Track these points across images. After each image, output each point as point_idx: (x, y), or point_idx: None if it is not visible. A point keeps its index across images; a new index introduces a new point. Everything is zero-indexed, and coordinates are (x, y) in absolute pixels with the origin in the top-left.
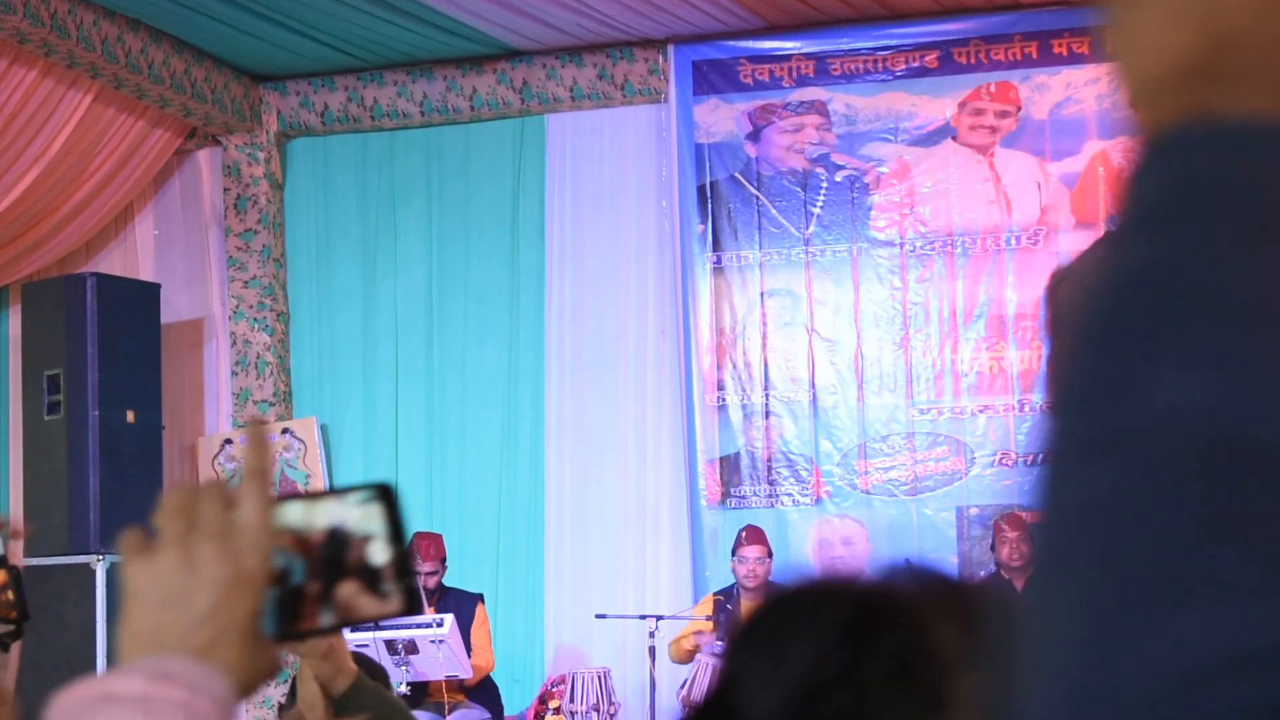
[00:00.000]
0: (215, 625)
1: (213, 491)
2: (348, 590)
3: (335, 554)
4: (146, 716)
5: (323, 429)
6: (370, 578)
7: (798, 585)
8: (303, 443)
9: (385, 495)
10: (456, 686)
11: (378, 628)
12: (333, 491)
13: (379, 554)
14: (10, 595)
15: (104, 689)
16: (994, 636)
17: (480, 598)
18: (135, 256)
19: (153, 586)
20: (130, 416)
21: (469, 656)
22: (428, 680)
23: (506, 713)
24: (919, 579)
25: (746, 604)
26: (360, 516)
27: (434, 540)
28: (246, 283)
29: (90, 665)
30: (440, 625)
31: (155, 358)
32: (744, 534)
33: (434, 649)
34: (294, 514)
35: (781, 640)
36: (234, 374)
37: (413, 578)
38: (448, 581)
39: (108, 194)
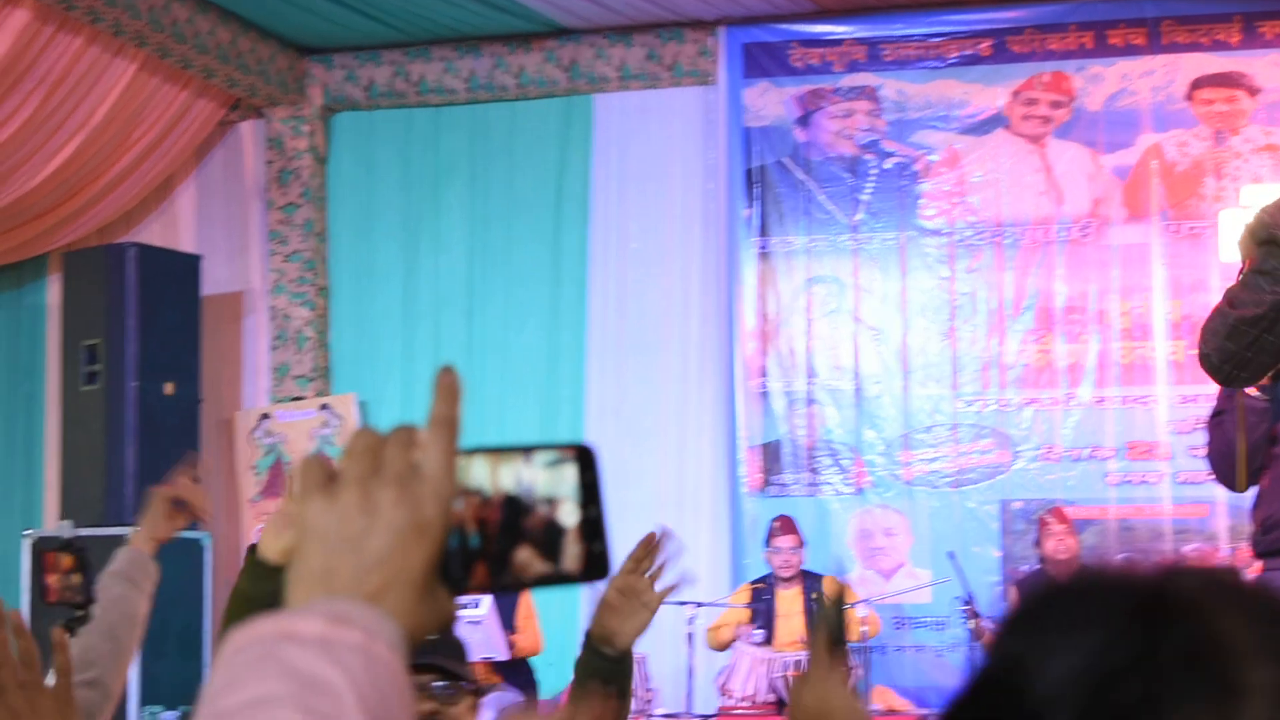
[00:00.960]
0: (387, 571)
1: (400, 436)
2: (524, 555)
3: (513, 520)
4: (327, 658)
5: (361, 405)
6: (553, 540)
7: (1081, 572)
8: (341, 419)
9: (583, 457)
10: (492, 668)
11: None
12: (521, 449)
13: (569, 516)
14: (78, 579)
15: (284, 627)
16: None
17: None
18: (176, 227)
19: (329, 527)
20: (168, 388)
21: (508, 636)
22: None
23: (541, 695)
24: (1205, 570)
25: (782, 593)
26: (548, 478)
27: None
28: (287, 257)
29: None
30: (477, 606)
31: (194, 330)
32: (776, 524)
33: (470, 630)
34: (479, 471)
35: (1069, 626)
36: (273, 348)
37: (604, 543)
38: None
39: (150, 164)
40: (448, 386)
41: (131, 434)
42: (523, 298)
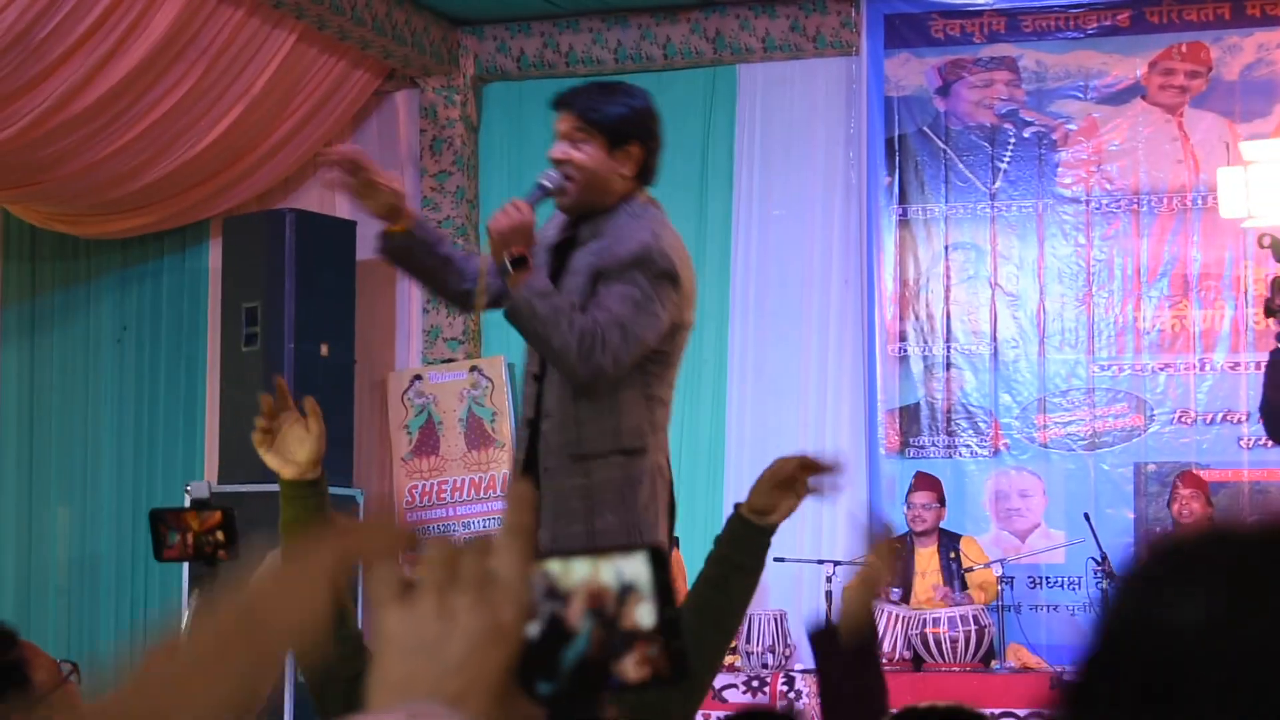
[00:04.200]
0: (466, 675)
1: (476, 545)
2: (625, 660)
3: (608, 623)
4: None
5: (510, 368)
6: (636, 640)
7: (1195, 527)
8: (490, 380)
9: (655, 556)
10: None
11: None
12: (605, 550)
13: (646, 616)
14: (221, 536)
15: None
16: None
17: (676, 541)
18: (332, 194)
19: (407, 633)
20: (324, 350)
21: None
22: None
23: None
24: None
25: (920, 551)
26: (624, 578)
27: None
28: (440, 223)
29: None
30: None
31: (349, 293)
32: (915, 480)
33: None
34: (577, 573)
35: (1194, 573)
36: (425, 311)
37: (682, 641)
38: None
39: (307, 132)
40: (519, 497)
41: None
42: None
